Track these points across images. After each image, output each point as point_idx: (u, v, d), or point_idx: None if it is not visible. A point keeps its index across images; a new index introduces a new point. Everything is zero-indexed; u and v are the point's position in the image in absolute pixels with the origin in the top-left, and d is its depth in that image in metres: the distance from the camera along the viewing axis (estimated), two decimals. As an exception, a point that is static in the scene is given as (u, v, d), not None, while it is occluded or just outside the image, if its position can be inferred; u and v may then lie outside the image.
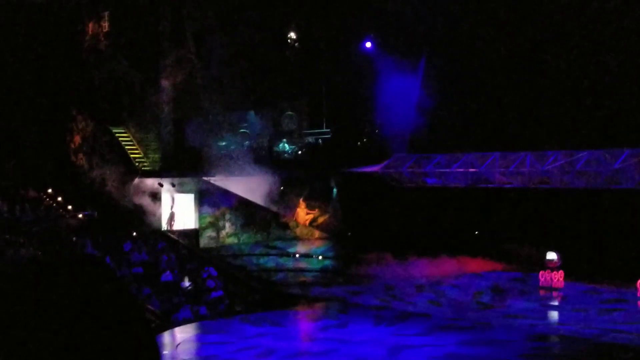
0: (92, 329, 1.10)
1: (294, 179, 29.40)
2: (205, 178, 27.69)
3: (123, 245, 23.56)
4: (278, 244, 27.52)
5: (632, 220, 20.87)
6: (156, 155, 30.10)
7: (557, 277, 20.94)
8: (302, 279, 23.11)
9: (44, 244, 22.33)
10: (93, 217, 26.59)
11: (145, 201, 27.69)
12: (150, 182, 28.18)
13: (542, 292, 20.55)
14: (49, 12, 28.65)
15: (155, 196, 27.96)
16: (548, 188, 22.62)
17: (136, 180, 28.21)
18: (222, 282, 21.33)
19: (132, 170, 28.82)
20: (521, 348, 14.11)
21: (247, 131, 31.41)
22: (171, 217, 27.37)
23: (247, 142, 31.02)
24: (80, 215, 26.44)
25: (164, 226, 27.12)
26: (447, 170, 24.63)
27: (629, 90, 21.53)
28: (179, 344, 15.14)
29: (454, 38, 25.16)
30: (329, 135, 30.79)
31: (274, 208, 28.74)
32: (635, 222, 20.65)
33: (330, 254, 26.34)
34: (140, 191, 27.94)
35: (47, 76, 28.40)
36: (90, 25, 30.30)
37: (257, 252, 26.37)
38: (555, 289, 20.61)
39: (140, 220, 26.58)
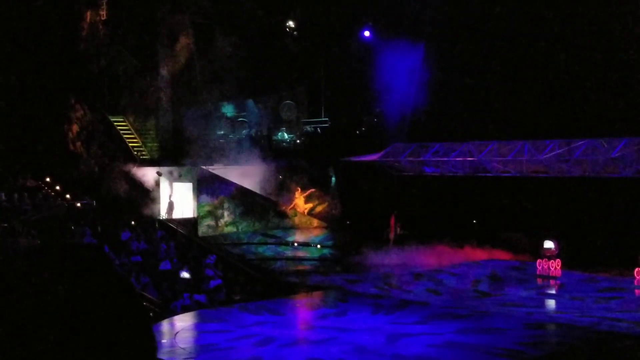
0: (90, 318, 1.11)
1: (292, 167, 29.40)
2: (203, 167, 27.69)
3: (122, 234, 23.58)
4: (277, 232, 27.56)
5: (630, 208, 20.92)
6: (155, 144, 30.10)
7: (555, 266, 21.01)
8: (300, 267, 23.16)
9: (42, 232, 22.35)
10: (91, 205, 26.61)
11: (144, 190, 27.70)
12: (149, 171, 28.19)
13: (539, 281, 20.63)
14: (47, 0, 28.52)
15: (154, 185, 27.98)
16: (546, 177, 22.66)
17: (134, 169, 28.21)
18: (221, 270, 21.39)
19: (130, 159, 28.81)
20: (519, 336, 14.17)
21: (246, 120, 31.38)
22: (170, 206, 27.38)
23: (245, 130, 31.00)
24: (78, 204, 26.45)
25: (163, 215, 27.15)
26: (446, 159, 24.64)
27: (627, 79, 21.49)
28: (177, 332, 15.17)
29: (453, 27, 25.10)
30: (328, 124, 30.77)
31: (273, 197, 28.76)
32: (633, 211, 20.70)
33: (329, 242, 26.39)
34: (139, 180, 27.95)
35: (45, 64, 28.31)
36: (89, 13, 30.18)
37: (255, 240, 26.40)
38: (553, 278, 20.69)
39: (138, 209, 26.61)
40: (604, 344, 13.72)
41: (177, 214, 27.50)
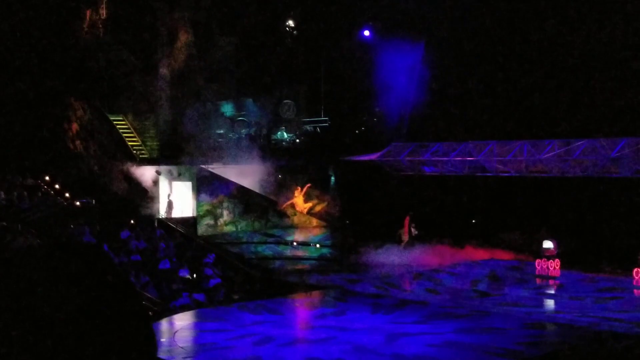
0: (89, 317, 1.11)
1: (292, 167, 29.41)
2: (203, 166, 27.70)
3: (121, 232, 23.58)
4: (276, 231, 27.56)
5: (629, 208, 20.92)
6: (154, 143, 30.11)
7: (554, 266, 21.02)
8: (300, 266, 23.16)
9: (42, 231, 22.33)
10: (91, 204, 26.60)
11: (143, 189, 27.70)
12: (148, 170, 28.19)
13: (538, 281, 20.62)
14: (47, -1, 28.53)
15: (153, 184, 27.98)
16: (545, 177, 22.66)
17: (134, 168, 28.22)
18: (220, 269, 21.39)
19: (129, 158, 28.81)
20: (518, 336, 14.17)
21: (245, 119, 31.38)
22: (169, 205, 27.37)
23: (245, 130, 31.00)
24: (77, 203, 26.44)
25: (162, 214, 27.14)
26: (445, 158, 24.65)
27: (627, 79, 21.50)
28: (176, 331, 15.17)
29: (452, 27, 25.10)
30: (327, 124, 30.78)
31: (272, 196, 28.78)
32: (632, 211, 20.70)
33: (328, 242, 26.39)
34: (138, 179, 27.95)
35: (45, 63, 28.30)
36: (89, 12, 30.18)
37: (255, 240, 26.40)
38: (552, 278, 20.69)
39: (137, 208, 26.62)
40: (603, 344, 13.72)
41: (176, 213, 27.52)
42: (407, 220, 24.60)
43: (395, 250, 23.74)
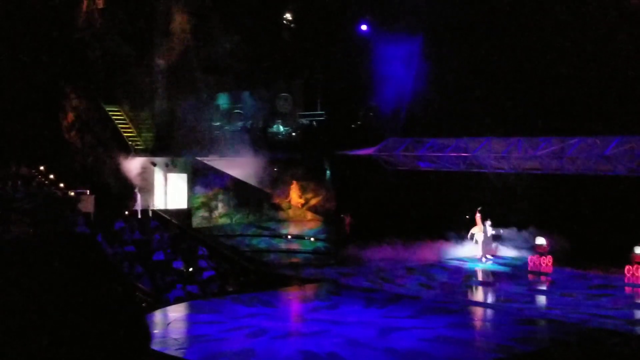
0: (83, 307, 1.14)
1: (287, 160, 29.42)
2: (198, 158, 27.68)
3: (115, 223, 23.59)
4: (270, 224, 27.60)
5: (622, 206, 21.02)
6: (149, 134, 30.06)
7: (546, 262, 21.13)
8: (294, 260, 23.21)
9: (36, 221, 22.31)
10: (85, 195, 26.55)
11: (137, 180, 27.67)
12: (144, 161, 28.16)
13: (530, 277, 20.73)
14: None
15: (148, 175, 27.93)
16: (539, 174, 22.73)
17: (129, 158, 28.19)
18: (214, 262, 21.42)
19: (125, 149, 28.78)
20: (509, 331, 14.26)
21: (242, 112, 31.35)
22: (134, 198, 26.55)
23: (241, 122, 30.98)
24: (72, 193, 26.39)
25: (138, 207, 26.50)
26: (440, 154, 24.69)
27: (621, 78, 21.55)
28: (170, 323, 15.21)
29: (451, 21, 25.08)
30: (324, 118, 30.79)
31: (267, 189, 28.80)
32: (625, 209, 20.80)
33: (323, 235, 26.44)
34: (133, 170, 27.92)
35: (41, 52, 28.20)
36: (85, 1, 30.06)
37: (249, 232, 26.44)
38: (544, 274, 20.80)
39: (131, 199, 26.58)
40: (594, 340, 13.82)
41: (171, 205, 27.49)
42: (477, 216, 22.58)
43: (388, 245, 23.60)
